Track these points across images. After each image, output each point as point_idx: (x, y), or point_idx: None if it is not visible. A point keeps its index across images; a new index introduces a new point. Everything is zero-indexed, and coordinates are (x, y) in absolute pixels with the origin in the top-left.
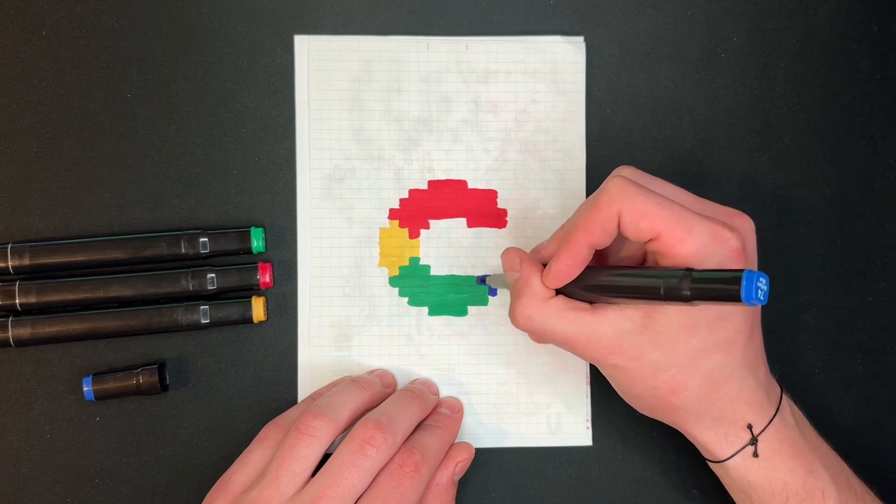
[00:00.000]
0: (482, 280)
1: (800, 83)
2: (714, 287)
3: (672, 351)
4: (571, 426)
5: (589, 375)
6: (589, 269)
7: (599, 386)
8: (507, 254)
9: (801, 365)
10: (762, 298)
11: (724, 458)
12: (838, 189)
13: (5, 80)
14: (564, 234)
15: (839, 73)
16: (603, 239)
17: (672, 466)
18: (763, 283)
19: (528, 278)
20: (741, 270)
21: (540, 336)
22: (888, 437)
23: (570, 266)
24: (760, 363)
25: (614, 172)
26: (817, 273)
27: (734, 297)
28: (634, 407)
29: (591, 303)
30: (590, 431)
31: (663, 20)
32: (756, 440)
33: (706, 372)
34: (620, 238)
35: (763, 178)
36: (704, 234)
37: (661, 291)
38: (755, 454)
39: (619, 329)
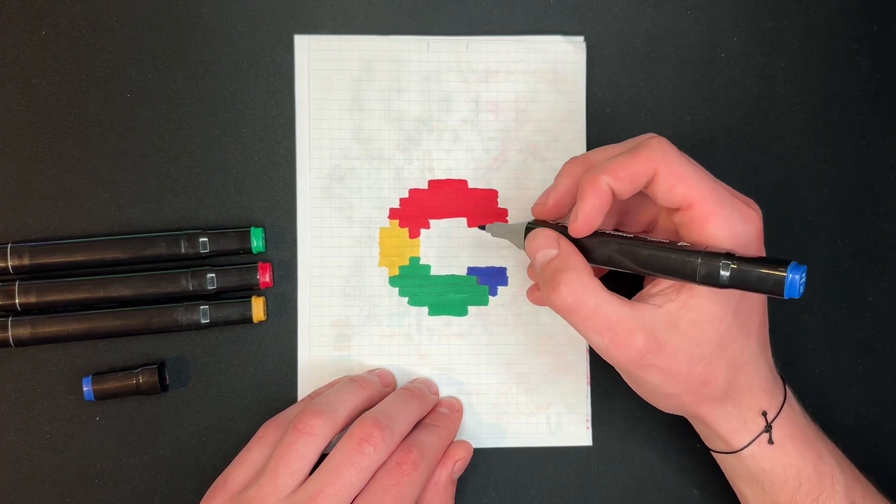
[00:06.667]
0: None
1: (800, 83)
2: (756, 277)
3: (704, 340)
4: (571, 426)
5: (589, 375)
6: (614, 240)
7: (599, 386)
8: (542, 233)
9: (801, 365)
10: (801, 291)
11: (741, 447)
12: (838, 189)
13: (5, 80)
14: (586, 175)
15: (839, 73)
16: (624, 187)
17: (672, 466)
18: (803, 277)
19: (569, 253)
20: (786, 262)
21: (575, 316)
22: (888, 437)
23: (595, 207)
24: (769, 348)
25: (648, 135)
26: (817, 273)
27: (776, 290)
28: (659, 407)
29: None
30: (590, 431)
31: (663, 20)
32: (770, 427)
33: (730, 357)
34: (638, 202)
35: (763, 178)
36: (734, 211)
37: (697, 278)
38: (770, 441)
39: (658, 324)
